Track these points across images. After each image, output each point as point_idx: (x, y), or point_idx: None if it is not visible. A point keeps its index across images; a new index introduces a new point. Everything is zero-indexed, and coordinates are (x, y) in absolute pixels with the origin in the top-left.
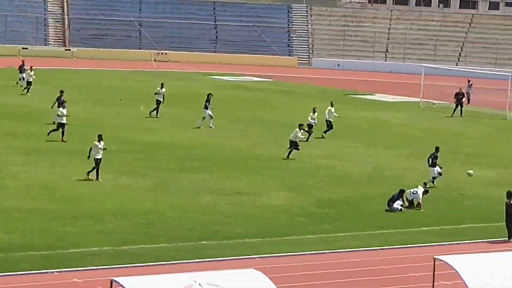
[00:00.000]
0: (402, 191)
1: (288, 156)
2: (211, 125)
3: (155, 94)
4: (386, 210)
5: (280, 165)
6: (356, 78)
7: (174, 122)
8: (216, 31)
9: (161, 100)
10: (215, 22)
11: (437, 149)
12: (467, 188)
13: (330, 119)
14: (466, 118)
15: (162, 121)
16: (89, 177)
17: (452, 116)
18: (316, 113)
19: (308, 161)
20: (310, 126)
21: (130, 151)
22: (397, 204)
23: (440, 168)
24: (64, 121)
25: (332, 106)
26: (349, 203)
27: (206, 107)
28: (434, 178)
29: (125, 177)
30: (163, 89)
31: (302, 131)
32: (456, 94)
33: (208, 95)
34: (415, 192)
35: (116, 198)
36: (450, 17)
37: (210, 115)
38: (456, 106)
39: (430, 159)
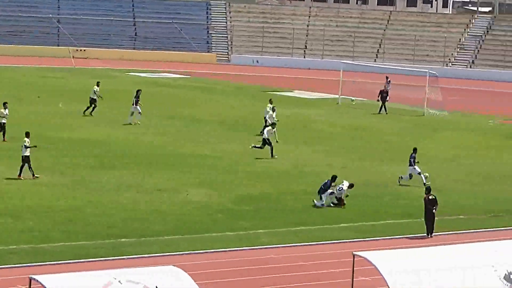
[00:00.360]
0: (334, 177)
1: (272, 155)
2: (136, 122)
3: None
4: (315, 207)
5: (199, 162)
6: (275, 74)
7: (93, 119)
8: (135, 28)
9: (95, 98)
10: (134, 18)
11: (415, 150)
12: (387, 184)
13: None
14: (385, 115)
15: (82, 118)
16: (34, 177)
17: (385, 113)
18: (275, 112)
19: (227, 157)
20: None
21: (49, 148)
22: (326, 196)
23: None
24: (5, 121)
25: (271, 103)
26: (269, 199)
27: (135, 103)
28: (410, 176)
29: (44, 175)
30: (97, 88)
31: (274, 129)
32: (381, 92)
33: (137, 91)
34: (341, 188)
35: (35, 195)
36: (368, 14)
37: (139, 111)
38: (383, 103)
39: (411, 159)
